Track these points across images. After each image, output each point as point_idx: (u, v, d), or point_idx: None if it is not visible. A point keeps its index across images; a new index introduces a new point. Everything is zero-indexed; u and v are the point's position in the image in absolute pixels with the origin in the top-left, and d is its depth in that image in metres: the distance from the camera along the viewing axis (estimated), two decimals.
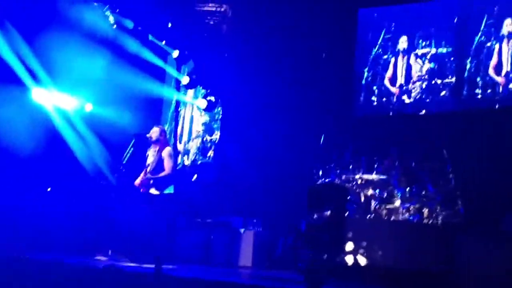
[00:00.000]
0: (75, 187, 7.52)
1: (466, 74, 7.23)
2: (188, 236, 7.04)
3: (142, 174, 6.37)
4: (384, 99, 7.82)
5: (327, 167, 6.64)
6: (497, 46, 7.02)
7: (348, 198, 6.03)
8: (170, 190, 6.39)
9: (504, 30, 7.00)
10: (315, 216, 5.27)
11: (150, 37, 8.82)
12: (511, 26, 6.98)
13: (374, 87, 7.91)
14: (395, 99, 7.73)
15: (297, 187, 6.81)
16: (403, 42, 7.80)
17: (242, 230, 6.83)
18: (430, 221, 5.80)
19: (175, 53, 8.98)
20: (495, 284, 4.81)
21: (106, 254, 6.10)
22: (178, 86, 9.30)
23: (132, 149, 6.30)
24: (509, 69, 6.90)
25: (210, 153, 8.98)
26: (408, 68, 7.70)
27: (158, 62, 8.97)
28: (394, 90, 7.76)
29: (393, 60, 7.84)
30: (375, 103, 7.88)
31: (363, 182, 6.36)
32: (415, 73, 7.63)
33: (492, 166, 6.36)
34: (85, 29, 7.97)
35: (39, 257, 5.66)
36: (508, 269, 4.83)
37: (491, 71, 7.04)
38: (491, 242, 5.11)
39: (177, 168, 8.50)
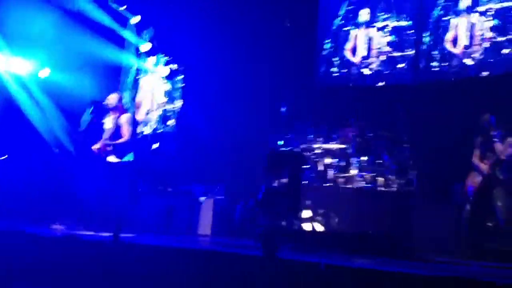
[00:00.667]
0: (31, 155, 7.33)
1: (424, 47, 7.38)
2: (148, 204, 7.00)
3: (100, 142, 6.25)
4: (344, 70, 7.91)
5: (288, 137, 6.71)
6: (454, 20, 7.16)
7: (307, 166, 6.13)
8: (129, 157, 6.32)
9: (462, 5, 7.14)
10: (273, 182, 5.34)
11: (109, 2, 8.56)
12: (469, 1, 7.11)
13: (335, 59, 7.98)
14: (355, 71, 7.83)
15: (258, 156, 6.87)
16: (364, 15, 7.86)
17: (202, 199, 6.85)
18: (384, 190, 5.98)
19: (135, 19, 8.76)
20: (443, 246, 5.09)
21: (63, 223, 6.01)
22: (138, 53, 9.11)
23: (90, 116, 6.15)
24: (466, 42, 7.06)
25: (171, 122, 8.89)
26: (369, 40, 7.78)
27: (117, 27, 8.73)
28: (355, 61, 7.85)
29: (354, 32, 7.89)
30: (335, 74, 7.96)
31: (321, 151, 6.47)
32: (375, 46, 7.71)
33: (444, 137, 6.58)
34: None
35: None
36: (454, 232, 5.12)
37: (447, 44, 7.18)
38: (440, 209, 5.37)
39: (138, 137, 8.39)
